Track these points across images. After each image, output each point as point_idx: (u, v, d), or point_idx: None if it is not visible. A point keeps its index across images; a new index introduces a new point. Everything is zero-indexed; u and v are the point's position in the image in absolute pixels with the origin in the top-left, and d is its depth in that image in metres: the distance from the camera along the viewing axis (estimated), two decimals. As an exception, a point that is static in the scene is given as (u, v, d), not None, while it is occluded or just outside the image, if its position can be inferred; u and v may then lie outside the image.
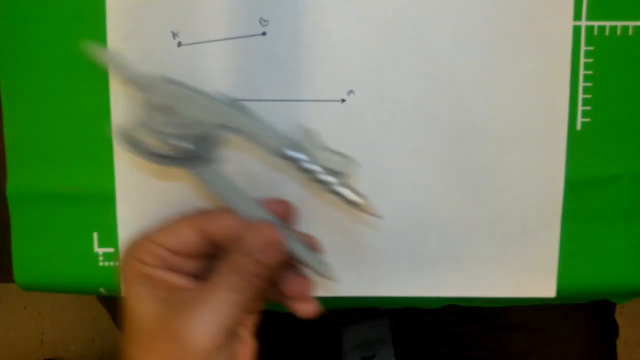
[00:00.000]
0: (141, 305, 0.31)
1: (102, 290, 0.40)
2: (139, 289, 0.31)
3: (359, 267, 0.39)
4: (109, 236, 0.39)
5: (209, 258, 0.34)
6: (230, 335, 0.31)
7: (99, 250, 0.39)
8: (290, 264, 0.34)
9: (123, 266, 0.33)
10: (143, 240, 0.32)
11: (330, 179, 0.32)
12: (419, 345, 0.51)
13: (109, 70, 0.32)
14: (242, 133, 0.32)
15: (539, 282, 0.39)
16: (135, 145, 0.32)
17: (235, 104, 0.32)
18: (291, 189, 0.38)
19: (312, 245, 0.34)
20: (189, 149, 0.32)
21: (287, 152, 0.32)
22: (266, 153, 0.32)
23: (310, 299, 0.34)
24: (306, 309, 0.34)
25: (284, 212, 0.35)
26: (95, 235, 0.39)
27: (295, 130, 0.32)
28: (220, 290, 0.31)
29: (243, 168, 0.37)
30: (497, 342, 0.51)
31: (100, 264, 0.40)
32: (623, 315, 1.06)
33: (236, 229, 0.32)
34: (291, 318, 0.39)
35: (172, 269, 0.32)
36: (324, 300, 0.39)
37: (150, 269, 0.32)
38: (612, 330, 0.54)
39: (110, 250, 0.39)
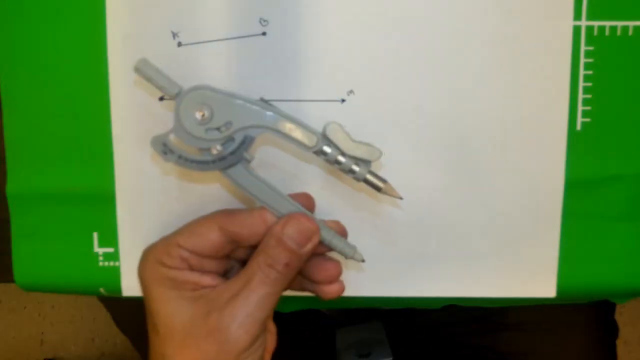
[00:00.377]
0: (171, 307, 0.32)
1: (102, 290, 0.40)
2: (166, 291, 0.32)
3: (358, 268, 0.39)
4: (109, 236, 0.39)
5: (229, 258, 0.35)
6: (264, 325, 0.32)
7: (99, 250, 0.39)
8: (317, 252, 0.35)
9: (145, 270, 0.33)
10: (164, 243, 0.33)
11: (358, 167, 0.33)
12: (418, 345, 0.51)
13: (141, 79, 0.32)
14: (273, 131, 0.33)
15: (539, 282, 0.39)
16: (170, 152, 0.33)
17: (263, 103, 0.33)
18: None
19: (340, 230, 0.35)
20: (220, 152, 0.32)
21: (320, 147, 0.33)
22: (298, 148, 0.33)
23: (339, 281, 0.35)
24: (336, 290, 0.35)
25: (308, 205, 0.36)
26: (95, 235, 0.39)
27: (323, 125, 0.33)
28: (255, 284, 0.31)
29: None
30: (497, 342, 0.51)
31: (100, 264, 0.40)
32: (623, 315, 1.06)
33: (264, 224, 0.33)
34: (284, 318, 0.39)
35: (195, 269, 0.33)
36: (323, 300, 0.40)
37: (174, 272, 0.32)
38: (612, 330, 0.54)
39: (110, 250, 0.39)
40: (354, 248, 0.34)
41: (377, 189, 0.34)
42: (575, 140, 0.38)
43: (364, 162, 0.33)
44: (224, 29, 0.37)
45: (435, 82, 0.37)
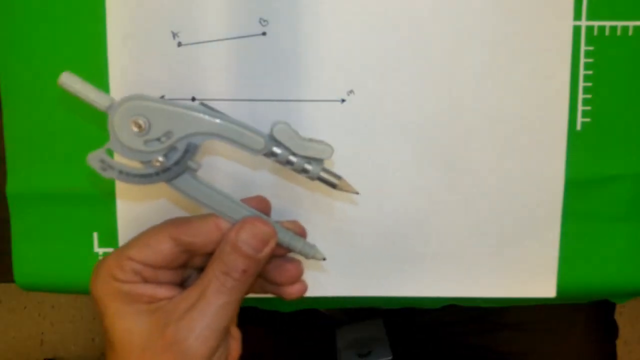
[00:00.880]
0: (127, 322, 0.31)
1: None
2: (120, 307, 0.31)
3: (358, 268, 0.39)
4: (109, 236, 0.39)
5: (185, 267, 0.34)
6: (225, 333, 0.31)
7: (99, 250, 0.39)
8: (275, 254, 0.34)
9: (97, 286, 0.31)
10: (115, 257, 0.31)
11: (310, 166, 0.32)
12: (418, 345, 0.51)
13: (69, 94, 0.31)
14: (218, 137, 0.31)
15: (539, 282, 0.38)
16: (110, 168, 0.31)
17: (207, 109, 0.31)
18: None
19: (299, 230, 0.34)
20: (163, 163, 0.31)
21: (269, 149, 0.32)
22: (247, 152, 0.32)
23: (301, 281, 0.34)
24: (298, 290, 0.34)
25: (263, 208, 0.35)
26: (95, 235, 0.39)
27: (270, 126, 0.32)
28: (211, 294, 0.30)
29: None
30: (496, 342, 0.51)
31: None
32: (623, 315, 1.06)
33: (218, 231, 0.32)
34: (284, 318, 0.38)
35: (150, 281, 0.32)
36: (323, 300, 0.40)
37: (128, 286, 0.31)
38: (612, 330, 0.54)
39: (110, 250, 0.39)
40: (313, 247, 0.34)
41: (333, 185, 0.33)
42: (575, 140, 0.37)
43: (317, 161, 0.32)
44: (224, 29, 0.37)
45: (435, 82, 0.37)
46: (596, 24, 0.37)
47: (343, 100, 0.37)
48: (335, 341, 0.52)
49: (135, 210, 0.39)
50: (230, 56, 0.37)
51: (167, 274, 0.32)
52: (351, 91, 0.37)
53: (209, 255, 0.32)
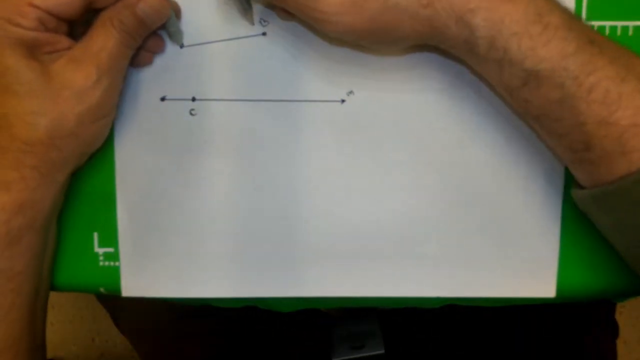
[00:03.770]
0: (20, 64, 0.32)
1: (102, 289, 0.40)
2: (17, 50, 0.32)
3: (357, 268, 0.39)
4: (109, 236, 0.39)
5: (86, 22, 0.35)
6: (106, 72, 0.33)
7: (99, 250, 0.39)
8: None
9: None
10: (11, 2, 0.31)
11: None
12: (416, 345, 0.50)
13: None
14: None
15: (539, 282, 0.38)
16: None
17: None
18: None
19: (177, 11, 0.36)
20: None
21: None
22: None
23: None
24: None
25: None
26: (95, 235, 0.39)
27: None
28: (99, 37, 0.33)
29: None
30: (495, 342, 0.51)
31: (101, 264, 0.39)
32: (623, 315, 1.05)
33: None
34: (283, 318, 0.38)
35: (50, 31, 0.32)
36: (322, 301, 0.40)
37: (28, 32, 0.32)
38: (612, 330, 0.54)
39: (111, 250, 0.39)
40: (182, 34, 0.37)
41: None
42: None
43: None
44: (224, 30, 0.37)
45: (435, 81, 0.37)
46: (596, 24, 0.36)
47: (343, 101, 0.37)
48: (331, 339, 0.52)
49: (135, 210, 0.39)
50: (231, 56, 0.37)
51: (66, 27, 0.34)
52: (351, 91, 0.37)
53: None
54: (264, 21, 0.37)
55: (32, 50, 0.32)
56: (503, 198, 0.38)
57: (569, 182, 0.37)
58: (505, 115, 0.37)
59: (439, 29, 0.31)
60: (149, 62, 0.37)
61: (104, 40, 0.33)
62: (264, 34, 0.37)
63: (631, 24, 0.36)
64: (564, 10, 0.31)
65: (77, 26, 0.35)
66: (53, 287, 0.40)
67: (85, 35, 0.34)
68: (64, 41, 0.33)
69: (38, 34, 0.32)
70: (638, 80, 0.29)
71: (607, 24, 0.36)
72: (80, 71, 0.33)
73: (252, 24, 0.36)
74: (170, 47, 0.37)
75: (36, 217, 0.34)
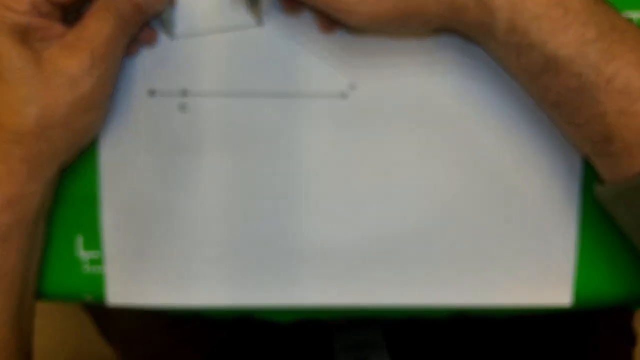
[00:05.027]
0: (11, 51, 0.32)
1: (88, 297, 0.39)
2: (9, 36, 0.31)
3: (360, 273, 0.38)
4: (94, 240, 0.38)
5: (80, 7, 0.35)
6: (101, 59, 0.33)
7: (83, 254, 0.38)
8: None
9: None
10: None
11: None
12: (423, 357, 0.50)
13: None
14: None
15: (554, 290, 0.38)
16: None
17: None
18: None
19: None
20: None
21: None
22: None
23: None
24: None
25: None
26: (79, 238, 0.38)
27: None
28: (94, 23, 0.32)
29: None
30: (506, 352, 0.50)
31: (85, 269, 0.38)
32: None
33: None
34: (283, 328, 0.38)
35: (45, 16, 0.32)
36: (323, 310, 0.39)
37: (21, 17, 0.32)
38: (630, 337, 0.54)
39: (95, 255, 0.38)
40: (174, 26, 0.36)
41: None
42: None
43: None
44: (219, 20, 0.36)
45: (440, 74, 0.36)
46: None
47: (344, 96, 0.37)
48: (333, 348, 0.52)
49: (120, 211, 0.38)
50: (228, 48, 0.36)
51: (59, 14, 0.33)
52: (352, 85, 0.37)
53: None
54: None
55: (25, 36, 0.32)
56: (515, 199, 0.37)
57: (587, 181, 0.37)
58: (518, 112, 0.36)
59: (459, 11, 0.31)
60: (133, 52, 0.36)
61: (99, 26, 0.33)
62: (261, 25, 0.36)
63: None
64: None
65: (71, 14, 0.34)
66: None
67: (80, 21, 0.33)
68: (58, 27, 0.33)
69: (31, 19, 0.32)
70: None
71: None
72: (74, 57, 0.32)
73: (260, 19, 0.36)
74: (161, 38, 0.36)
75: (25, 214, 0.33)
